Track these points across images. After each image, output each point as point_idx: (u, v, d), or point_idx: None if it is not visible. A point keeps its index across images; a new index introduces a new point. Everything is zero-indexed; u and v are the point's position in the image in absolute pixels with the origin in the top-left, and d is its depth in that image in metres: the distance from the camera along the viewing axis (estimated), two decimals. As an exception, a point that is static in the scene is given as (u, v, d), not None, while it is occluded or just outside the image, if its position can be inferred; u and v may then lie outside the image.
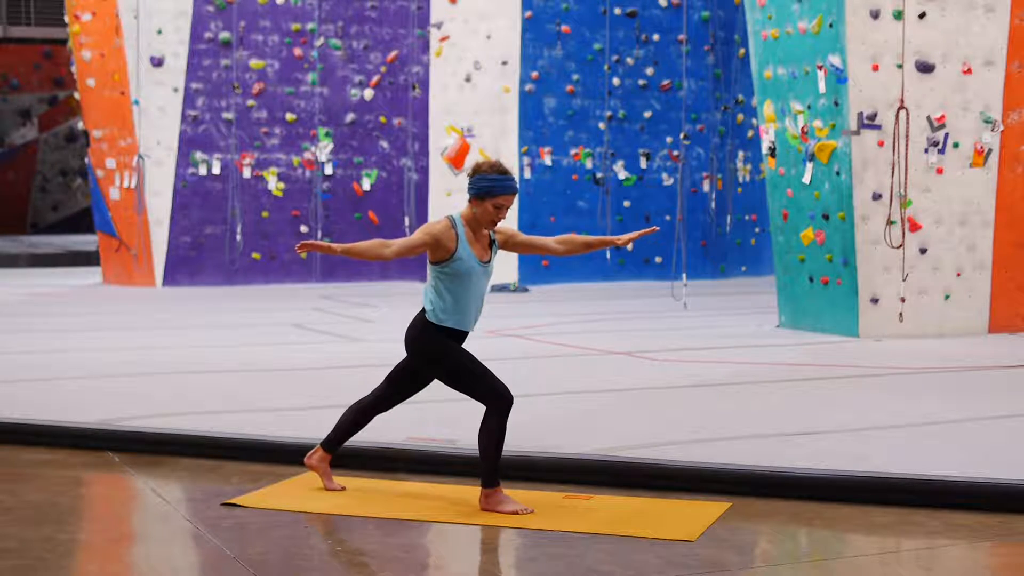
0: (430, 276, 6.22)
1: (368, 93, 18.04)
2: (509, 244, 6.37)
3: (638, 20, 18.16)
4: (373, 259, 6.09)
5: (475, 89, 17.88)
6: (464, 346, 6.27)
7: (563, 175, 18.09)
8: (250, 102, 17.65)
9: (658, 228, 7.00)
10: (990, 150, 12.01)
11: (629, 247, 6.73)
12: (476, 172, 6.17)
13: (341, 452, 7.14)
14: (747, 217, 19.20)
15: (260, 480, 6.76)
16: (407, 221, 18.24)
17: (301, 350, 11.21)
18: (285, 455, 7.17)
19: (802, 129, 12.18)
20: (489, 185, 6.12)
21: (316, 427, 7.63)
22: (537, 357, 10.56)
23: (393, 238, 18.02)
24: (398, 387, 6.45)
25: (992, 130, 11.99)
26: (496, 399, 6.11)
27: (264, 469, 7.02)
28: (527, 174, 17.94)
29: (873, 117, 11.69)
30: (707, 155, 18.64)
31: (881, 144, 11.74)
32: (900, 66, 11.69)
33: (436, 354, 6.20)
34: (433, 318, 6.17)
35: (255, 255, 17.76)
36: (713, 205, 18.69)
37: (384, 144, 18.22)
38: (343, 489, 6.48)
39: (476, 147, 17.80)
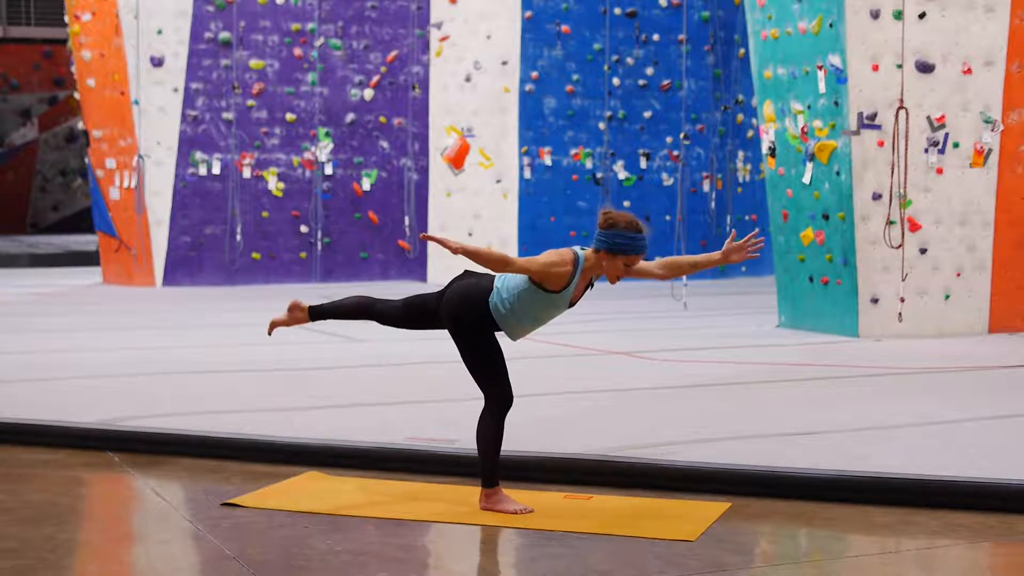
0: (521, 277, 5.98)
1: (368, 93, 18.04)
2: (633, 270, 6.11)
3: (638, 20, 18.16)
4: (488, 267, 5.85)
5: (475, 89, 17.88)
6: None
7: (563, 175, 18.10)
8: (250, 102, 17.65)
9: (759, 231, 6.41)
10: (990, 150, 12.01)
11: (742, 258, 6.41)
12: (612, 226, 5.89)
13: (341, 452, 7.14)
14: (747, 217, 19.19)
15: (260, 480, 6.76)
16: (407, 221, 18.24)
17: (301, 350, 11.21)
18: (285, 455, 7.17)
19: (802, 129, 12.18)
20: (627, 244, 5.89)
21: (316, 427, 7.64)
22: (537, 357, 10.56)
23: (393, 238, 18.22)
24: (408, 316, 6.25)
25: (992, 130, 11.99)
26: (500, 399, 6.09)
27: (264, 469, 7.01)
28: (527, 174, 17.94)
29: (873, 117, 11.69)
30: (707, 155, 18.64)
31: (881, 144, 11.74)
32: (900, 66, 11.69)
33: (472, 331, 6.05)
34: (493, 308, 6.01)
35: (255, 255, 17.76)
36: (713, 205, 18.69)
37: (384, 144, 18.22)
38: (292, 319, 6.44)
39: (476, 147, 17.81)
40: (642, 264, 6.14)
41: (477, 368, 6.09)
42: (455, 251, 5.72)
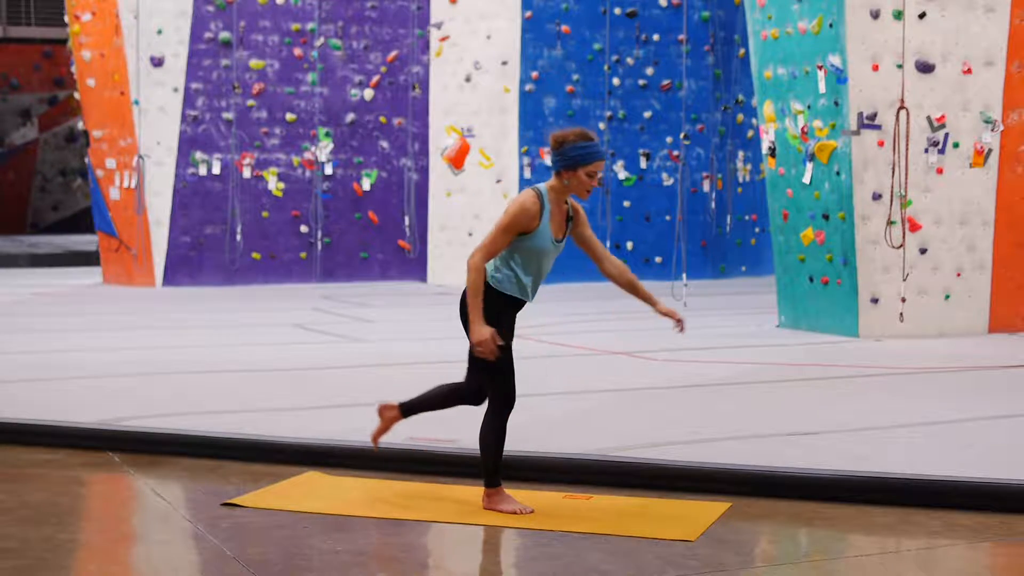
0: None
1: (368, 93, 18.04)
2: (577, 227, 6.22)
3: (638, 20, 18.16)
4: (480, 277, 5.95)
5: (475, 89, 17.88)
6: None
7: (563, 175, 18.07)
8: (250, 102, 17.65)
9: (682, 324, 6.39)
10: (990, 150, 12.01)
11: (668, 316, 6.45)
12: (563, 143, 6.06)
13: (341, 452, 7.15)
14: (747, 217, 19.19)
15: (260, 480, 6.76)
16: (407, 221, 18.24)
17: (301, 350, 11.21)
18: (285, 455, 7.18)
19: (802, 129, 12.18)
20: (582, 153, 6.03)
21: (316, 427, 7.64)
22: (537, 357, 10.56)
23: (392, 237, 18.22)
24: (474, 371, 6.18)
25: (992, 130, 11.99)
26: (502, 400, 6.09)
27: (264, 469, 7.02)
28: (527, 174, 17.94)
29: (873, 117, 11.69)
30: (707, 155, 18.63)
31: (881, 144, 11.74)
32: (900, 66, 11.69)
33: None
34: (494, 283, 6.04)
35: (255, 255, 17.75)
36: (713, 205, 18.69)
37: (384, 144, 18.22)
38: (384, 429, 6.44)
39: (476, 147, 17.81)
40: (599, 245, 6.25)
41: (485, 367, 6.08)
42: (485, 337, 5.90)
